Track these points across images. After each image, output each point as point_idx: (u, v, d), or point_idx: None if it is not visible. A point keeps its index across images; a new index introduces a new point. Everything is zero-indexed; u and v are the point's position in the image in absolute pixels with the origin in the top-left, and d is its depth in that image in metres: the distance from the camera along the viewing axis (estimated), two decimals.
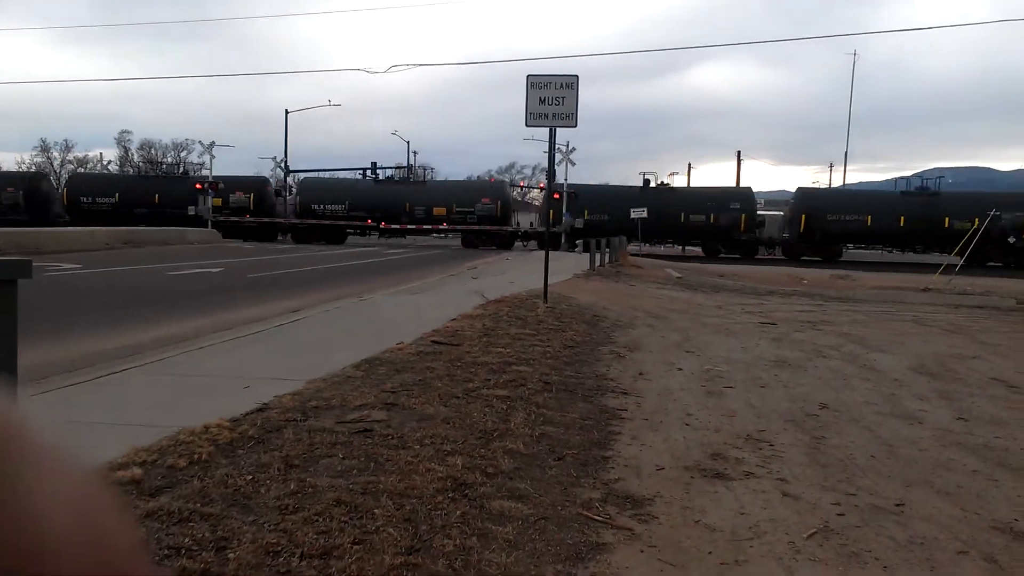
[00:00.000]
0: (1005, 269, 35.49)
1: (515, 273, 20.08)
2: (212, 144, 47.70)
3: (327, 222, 43.94)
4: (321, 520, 3.35)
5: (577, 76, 11.94)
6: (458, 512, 3.56)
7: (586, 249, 26.79)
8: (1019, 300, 18.10)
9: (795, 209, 42.04)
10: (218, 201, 44.70)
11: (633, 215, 40.39)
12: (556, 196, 38.90)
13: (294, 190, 50.79)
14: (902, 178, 45.54)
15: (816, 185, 52.01)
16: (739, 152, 66.06)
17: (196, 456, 4.09)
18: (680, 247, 46.34)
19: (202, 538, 3.14)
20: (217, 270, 20.75)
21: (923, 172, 49.35)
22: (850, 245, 42.62)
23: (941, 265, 26.33)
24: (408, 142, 70.41)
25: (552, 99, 11.93)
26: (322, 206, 44.32)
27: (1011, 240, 37.94)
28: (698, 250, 44.30)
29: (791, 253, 41.66)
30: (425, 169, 47.53)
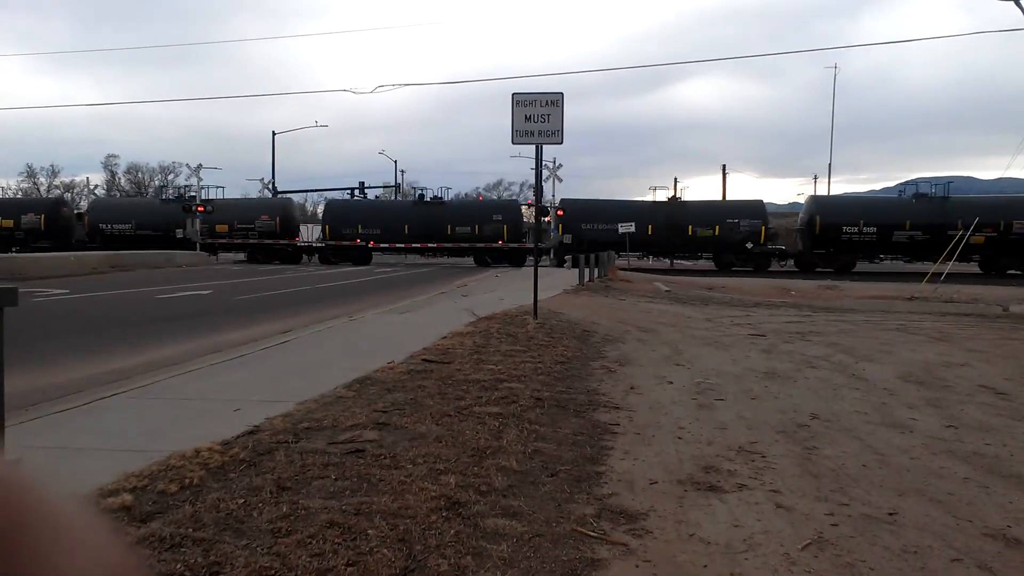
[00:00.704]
0: None
1: (505, 290, 20.09)
2: (199, 167, 47.73)
3: (357, 243, 43.40)
4: (314, 542, 3.33)
5: (562, 93, 12.03)
6: (452, 531, 3.54)
7: (575, 264, 26.85)
8: (1005, 307, 18.24)
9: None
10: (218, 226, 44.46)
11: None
12: (547, 217, 39.12)
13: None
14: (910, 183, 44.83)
15: (800, 198, 52.23)
16: (724, 166, 66.49)
17: (187, 480, 4.06)
18: (690, 261, 46.55)
19: (195, 563, 3.12)
20: (206, 292, 20.67)
21: (906, 182, 49.46)
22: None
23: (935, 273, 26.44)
24: (395, 161, 70.76)
25: (538, 116, 12.01)
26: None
27: None
28: (707, 264, 44.47)
29: (803, 265, 40.75)
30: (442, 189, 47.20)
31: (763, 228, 41.11)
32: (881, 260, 44.53)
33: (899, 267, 41.97)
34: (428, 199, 45.42)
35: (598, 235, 40.07)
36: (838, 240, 39.42)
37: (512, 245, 42.60)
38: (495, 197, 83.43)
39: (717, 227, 41.25)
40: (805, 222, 41.15)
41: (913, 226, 38.73)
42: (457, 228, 42.95)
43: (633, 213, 42.27)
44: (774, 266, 42.48)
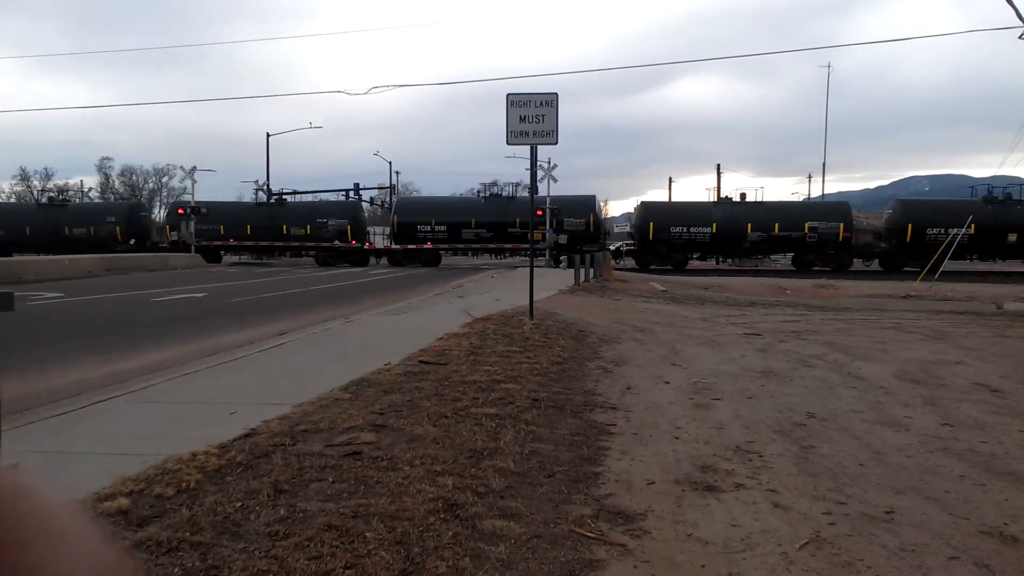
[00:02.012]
0: None
1: (501, 291, 20.09)
2: (194, 169, 47.59)
3: (427, 245, 42.64)
4: (312, 545, 3.33)
5: (556, 94, 12.03)
6: (450, 533, 3.54)
7: (570, 265, 26.84)
8: (999, 305, 18.29)
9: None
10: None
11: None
12: (539, 213, 39.04)
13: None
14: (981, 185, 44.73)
15: (796, 197, 52.24)
16: (719, 165, 66.56)
17: (184, 484, 4.05)
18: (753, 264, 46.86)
19: (192, 567, 3.11)
20: (201, 295, 20.62)
21: (900, 180, 49.77)
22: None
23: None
24: (390, 162, 70.77)
25: (532, 117, 12.01)
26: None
27: None
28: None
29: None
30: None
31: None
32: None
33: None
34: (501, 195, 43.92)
35: (683, 236, 41.23)
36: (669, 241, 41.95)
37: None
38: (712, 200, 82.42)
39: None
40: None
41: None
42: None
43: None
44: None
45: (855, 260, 42.66)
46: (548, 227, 41.14)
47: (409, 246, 42.59)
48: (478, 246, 42.90)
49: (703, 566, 3.39)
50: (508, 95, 12.05)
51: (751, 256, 45.22)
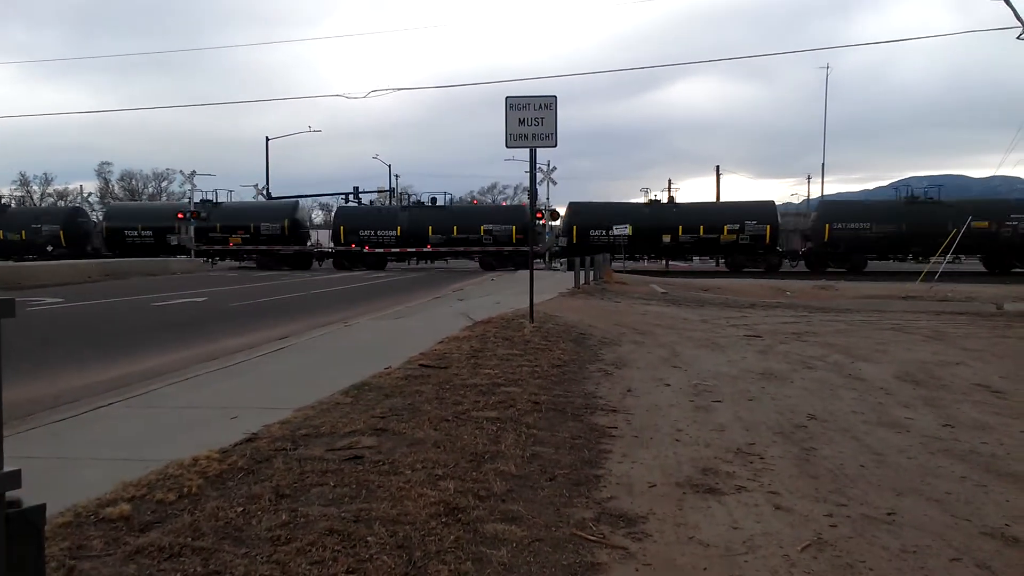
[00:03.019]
0: None
1: (500, 294, 20.09)
2: (193, 173, 47.74)
3: (368, 249, 43.45)
4: (314, 550, 3.33)
5: (555, 96, 12.04)
6: (452, 537, 3.54)
7: (570, 267, 26.85)
8: (999, 306, 18.30)
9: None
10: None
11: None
12: (539, 216, 39.16)
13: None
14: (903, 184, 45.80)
15: (795, 198, 52.48)
16: (718, 167, 66.66)
17: (186, 489, 4.06)
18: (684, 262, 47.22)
19: (194, 573, 3.11)
20: (202, 300, 20.63)
21: (898, 181, 50.18)
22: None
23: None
24: (390, 165, 70.83)
25: (531, 120, 12.02)
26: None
27: None
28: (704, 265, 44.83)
29: (814, 265, 42.02)
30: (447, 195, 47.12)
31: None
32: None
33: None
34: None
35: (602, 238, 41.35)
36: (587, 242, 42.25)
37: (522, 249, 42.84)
38: (490, 201, 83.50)
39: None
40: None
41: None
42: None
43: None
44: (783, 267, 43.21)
45: (783, 260, 43.58)
46: (550, 231, 41.25)
47: (352, 249, 43.60)
48: (397, 250, 44.24)
49: (705, 569, 3.39)
50: (507, 98, 12.07)
51: (677, 257, 45.80)
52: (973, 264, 43.33)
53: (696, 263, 48.88)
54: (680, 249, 43.54)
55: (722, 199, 52.71)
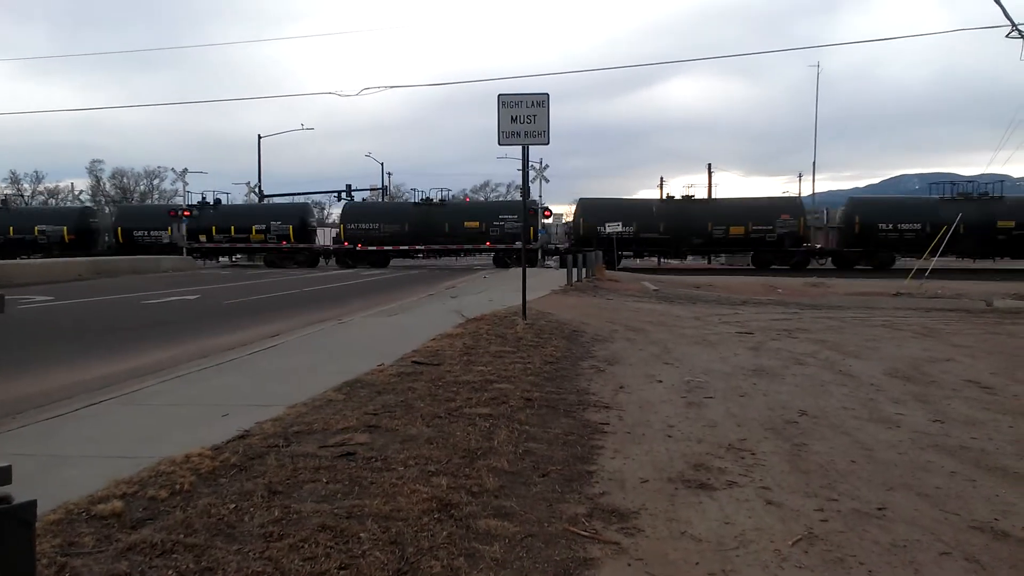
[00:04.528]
0: None
1: (494, 291, 20.09)
2: (185, 171, 47.56)
3: (372, 247, 43.46)
4: (307, 546, 3.33)
5: (548, 94, 12.05)
6: (444, 533, 3.55)
7: (563, 265, 26.88)
8: (989, 303, 18.39)
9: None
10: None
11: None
12: (531, 212, 39.18)
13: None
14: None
15: (788, 194, 52.37)
16: (710, 164, 66.60)
17: (178, 486, 4.05)
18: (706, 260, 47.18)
19: (186, 569, 3.11)
20: (193, 297, 20.57)
21: (890, 179, 50.48)
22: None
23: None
24: (382, 163, 70.55)
25: (524, 117, 12.02)
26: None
27: None
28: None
29: (842, 263, 41.90)
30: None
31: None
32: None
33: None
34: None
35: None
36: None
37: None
38: (482, 199, 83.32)
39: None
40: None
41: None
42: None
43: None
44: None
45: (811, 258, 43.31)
46: (541, 229, 41.30)
47: (357, 248, 43.68)
48: (406, 247, 44.26)
49: (697, 563, 3.40)
50: (499, 96, 12.07)
51: (703, 254, 45.89)
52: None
53: (711, 261, 48.55)
54: (708, 246, 43.25)
55: (714, 196, 52.30)
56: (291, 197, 52.85)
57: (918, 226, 40.44)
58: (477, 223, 43.38)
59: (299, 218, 45.87)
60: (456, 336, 10.22)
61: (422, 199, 45.82)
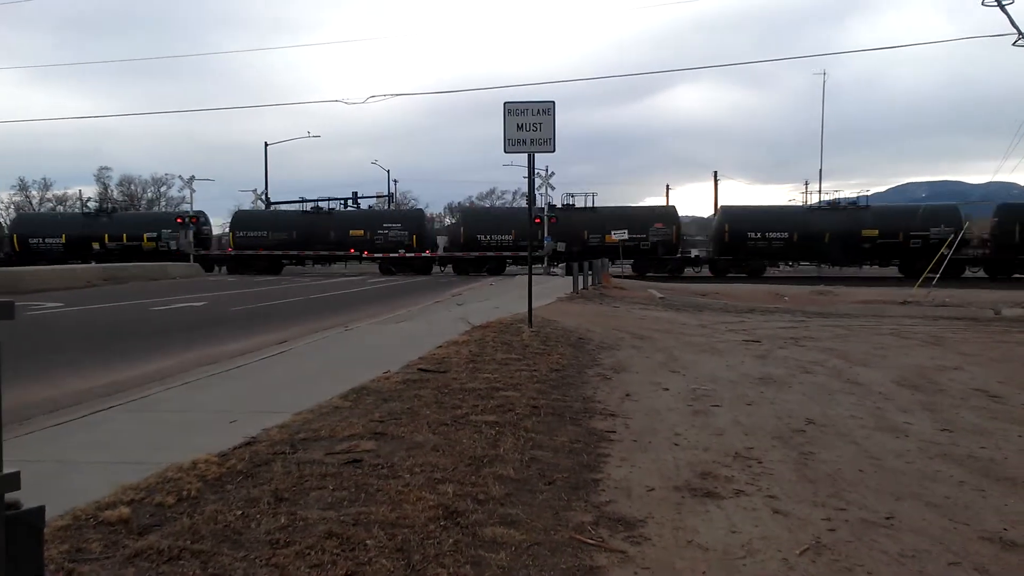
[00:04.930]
0: None
1: (499, 298, 20.10)
2: (192, 178, 47.71)
3: (491, 253, 43.74)
4: (313, 553, 3.33)
5: (553, 102, 12.07)
6: (450, 540, 3.54)
7: (568, 272, 26.89)
8: (997, 311, 18.32)
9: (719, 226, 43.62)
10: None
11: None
12: (537, 220, 39.21)
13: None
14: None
15: (794, 203, 52.41)
16: (716, 172, 66.73)
17: (185, 492, 4.06)
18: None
19: None
20: (201, 304, 20.63)
21: (897, 187, 50.91)
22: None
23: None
24: (388, 171, 70.78)
25: (529, 125, 12.04)
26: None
27: None
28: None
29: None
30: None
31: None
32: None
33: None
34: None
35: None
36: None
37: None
38: (487, 205, 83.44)
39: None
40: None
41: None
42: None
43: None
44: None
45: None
46: (546, 234, 41.28)
47: (476, 254, 44.09)
48: (294, 254, 45.28)
49: (703, 572, 3.39)
50: (505, 103, 12.09)
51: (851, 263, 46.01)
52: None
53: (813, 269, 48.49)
54: (584, 254, 43.39)
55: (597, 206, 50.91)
56: (302, 204, 52.91)
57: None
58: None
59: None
60: (462, 343, 10.23)
61: (311, 208, 47.19)
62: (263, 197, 57.98)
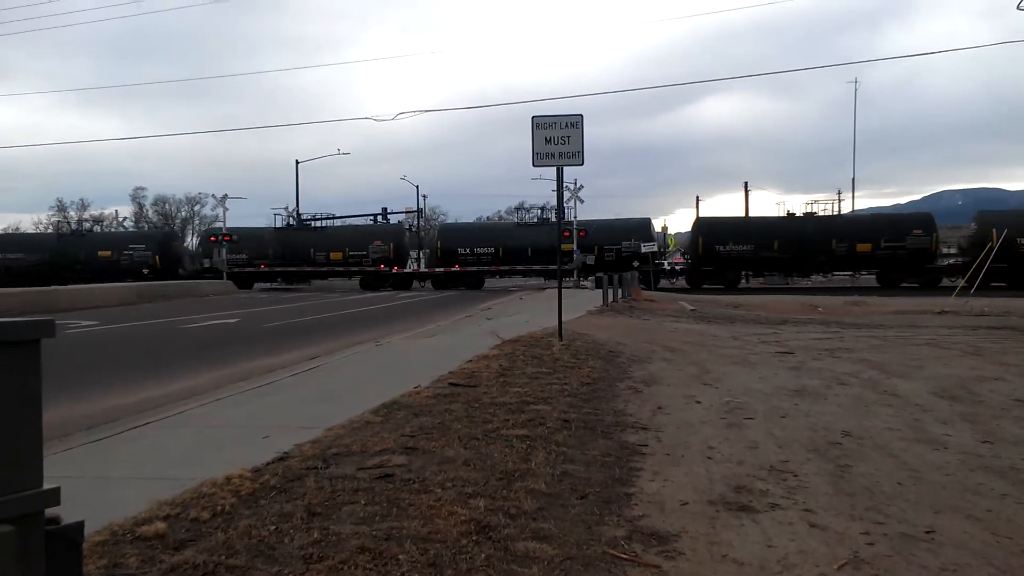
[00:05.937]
0: None
1: (529, 312, 20.10)
2: (225, 197, 48.35)
3: (471, 268, 44.55)
4: (346, 568, 3.34)
5: (581, 115, 12.08)
6: (483, 555, 3.53)
7: (598, 285, 26.81)
8: None
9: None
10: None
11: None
12: (566, 234, 39.19)
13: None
14: None
15: (825, 211, 51.50)
16: (746, 183, 66.13)
17: (219, 508, 4.09)
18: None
19: None
20: (234, 321, 20.88)
21: (931, 195, 50.52)
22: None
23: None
24: (417, 186, 71.14)
25: (558, 139, 12.06)
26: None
27: None
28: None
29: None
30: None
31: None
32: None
33: None
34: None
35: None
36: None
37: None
38: (515, 220, 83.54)
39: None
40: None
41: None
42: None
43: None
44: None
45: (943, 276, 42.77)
46: (575, 248, 41.25)
47: (454, 269, 44.88)
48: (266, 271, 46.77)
49: None
50: (533, 117, 12.13)
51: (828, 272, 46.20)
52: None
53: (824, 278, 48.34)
54: (832, 263, 43.22)
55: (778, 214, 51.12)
56: (331, 221, 53.52)
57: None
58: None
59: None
60: (492, 357, 10.23)
61: (284, 224, 48.03)
62: (295, 214, 58.61)
